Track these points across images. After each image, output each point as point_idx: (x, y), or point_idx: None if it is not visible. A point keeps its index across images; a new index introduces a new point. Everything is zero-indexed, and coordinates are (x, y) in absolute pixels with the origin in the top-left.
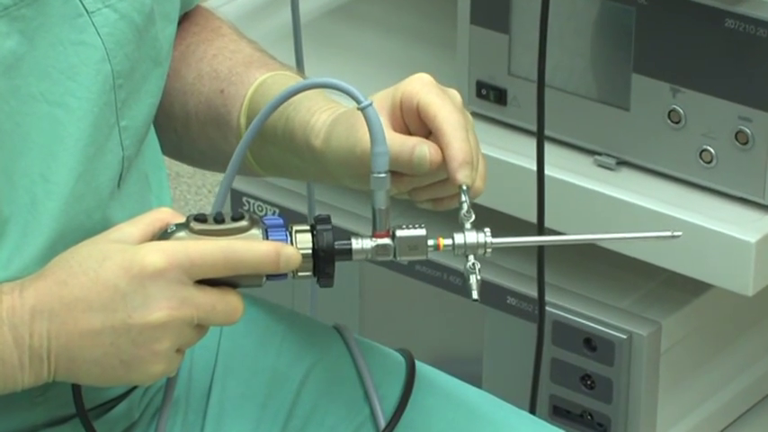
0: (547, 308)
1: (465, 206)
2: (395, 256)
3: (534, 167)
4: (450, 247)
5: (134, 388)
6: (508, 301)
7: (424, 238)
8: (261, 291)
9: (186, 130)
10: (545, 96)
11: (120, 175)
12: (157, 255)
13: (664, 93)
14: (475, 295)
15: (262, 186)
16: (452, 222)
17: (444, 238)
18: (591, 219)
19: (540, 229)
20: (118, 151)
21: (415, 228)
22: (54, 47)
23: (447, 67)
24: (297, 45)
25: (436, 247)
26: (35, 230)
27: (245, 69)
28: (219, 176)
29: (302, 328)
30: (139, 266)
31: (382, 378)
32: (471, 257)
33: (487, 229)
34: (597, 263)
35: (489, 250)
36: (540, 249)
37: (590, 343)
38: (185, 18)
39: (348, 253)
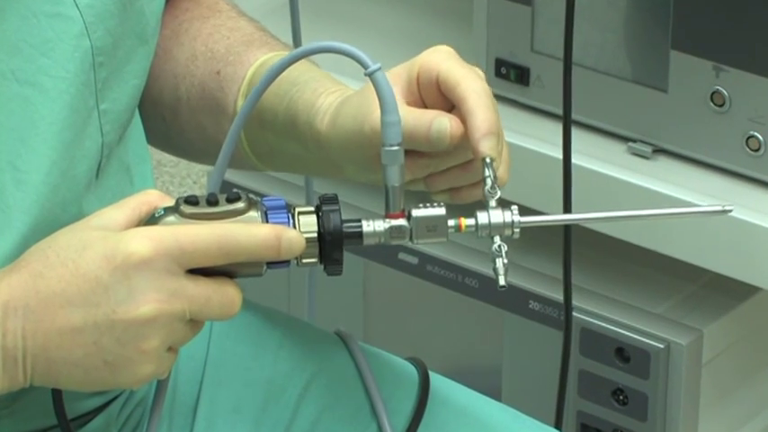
0: (574, 313)
1: (489, 181)
2: (411, 238)
3: (560, 156)
4: (473, 228)
5: (112, 400)
6: (530, 306)
7: (444, 218)
8: (253, 294)
9: (175, 118)
10: (572, 76)
11: (99, 164)
12: (143, 242)
13: (706, 72)
14: (502, 281)
15: (254, 176)
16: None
17: (466, 217)
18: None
19: (567, 225)
20: (97, 137)
21: (434, 207)
22: (26, 19)
23: (463, 43)
24: (294, 18)
25: (457, 227)
26: (4, 225)
27: (245, 49)
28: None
29: (300, 335)
30: (123, 255)
31: (391, 390)
32: (497, 239)
33: (515, 207)
34: (630, 264)
35: (517, 230)
36: (567, 249)
37: (622, 353)
38: None
39: (358, 236)
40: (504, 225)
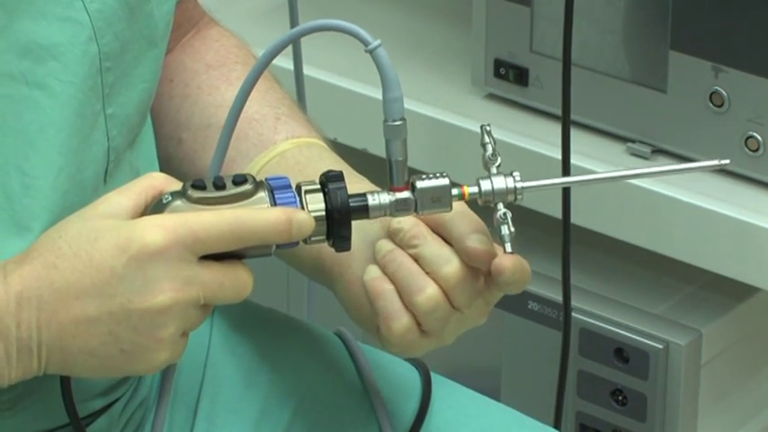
0: (573, 314)
1: (490, 148)
2: (416, 210)
3: (559, 156)
4: (477, 195)
5: (114, 402)
6: (529, 307)
7: (448, 188)
8: (253, 294)
9: (194, 140)
10: (571, 76)
11: (106, 169)
12: (157, 231)
13: (705, 72)
14: (509, 248)
15: None
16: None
17: (469, 185)
18: (623, 214)
19: (566, 224)
20: (103, 142)
21: (437, 177)
22: (37, 21)
23: (462, 44)
24: (292, 18)
25: (461, 196)
26: (13, 230)
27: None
28: None
29: (300, 336)
30: (138, 246)
31: (392, 391)
32: (501, 206)
33: (516, 173)
34: (629, 264)
35: (520, 196)
36: (566, 248)
37: (621, 353)
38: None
39: (364, 210)
40: (507, 191)
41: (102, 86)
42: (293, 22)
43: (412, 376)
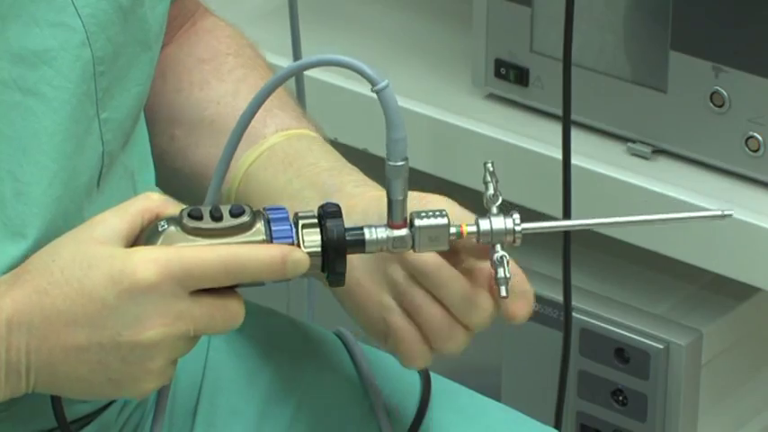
0: (573, 314)
1: (491, 188)
2: (414, 248)
3: (560, 156)
4: (475, 235)
5: (110, 404)
6: None
7: (447, 228)
8: (253, 295)
9: (188, 136)
10: (572, 76)
11: (100, 173)
12: (150, 267)
13: (705, 72)
14: (503, 292)
15: None
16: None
17: (467, 225)
18: (623, 214)
19: None
20: (97, 147)
21: (436, 216)
22: (29, 27)
23: (462, 44)
24: (292, 18)
25: (459, 235)
26: (5, 237)
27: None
28: None
29: (300, 336)
30: (130, 280)
31: (392, 391)
32: (498, 248)
33: (516, 215)
34: (630, 264)
35: (519, 238)
36: (567, 249)
37: (622, 354)
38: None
39: (361, 245)
40: (506, 232)
41: (95, 91)
42: (293, 24)
43: (412, 376)
